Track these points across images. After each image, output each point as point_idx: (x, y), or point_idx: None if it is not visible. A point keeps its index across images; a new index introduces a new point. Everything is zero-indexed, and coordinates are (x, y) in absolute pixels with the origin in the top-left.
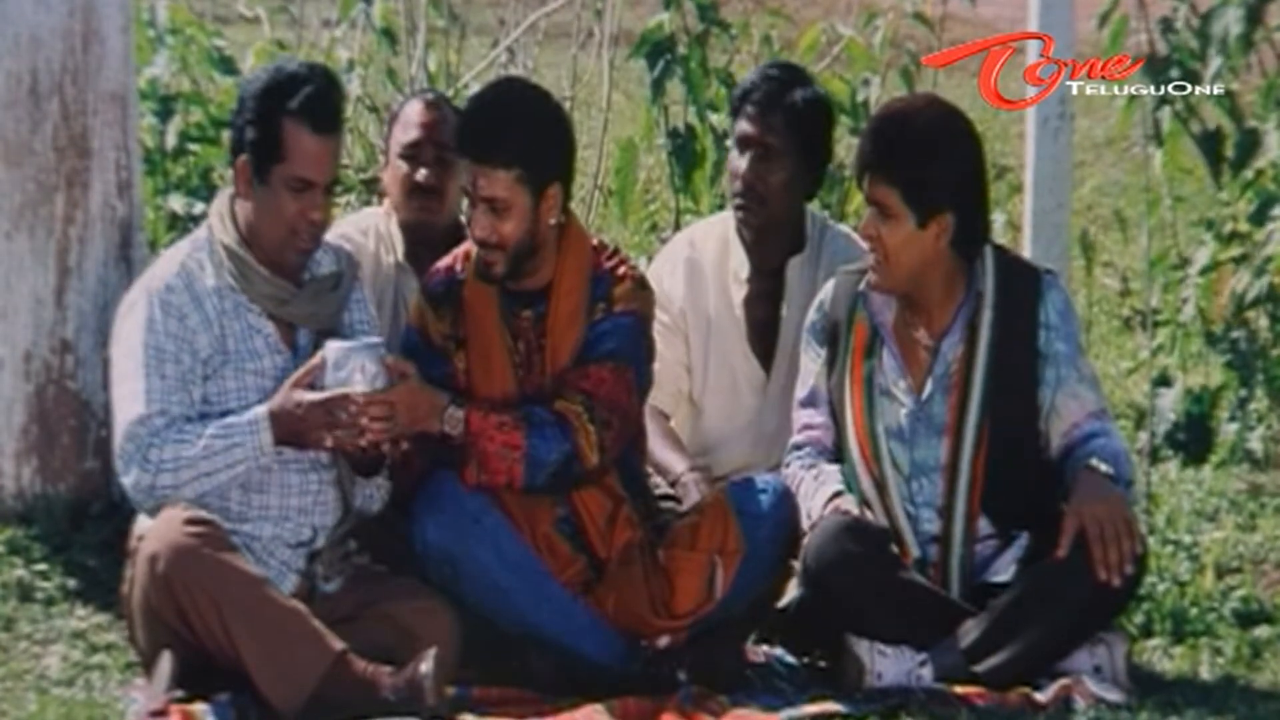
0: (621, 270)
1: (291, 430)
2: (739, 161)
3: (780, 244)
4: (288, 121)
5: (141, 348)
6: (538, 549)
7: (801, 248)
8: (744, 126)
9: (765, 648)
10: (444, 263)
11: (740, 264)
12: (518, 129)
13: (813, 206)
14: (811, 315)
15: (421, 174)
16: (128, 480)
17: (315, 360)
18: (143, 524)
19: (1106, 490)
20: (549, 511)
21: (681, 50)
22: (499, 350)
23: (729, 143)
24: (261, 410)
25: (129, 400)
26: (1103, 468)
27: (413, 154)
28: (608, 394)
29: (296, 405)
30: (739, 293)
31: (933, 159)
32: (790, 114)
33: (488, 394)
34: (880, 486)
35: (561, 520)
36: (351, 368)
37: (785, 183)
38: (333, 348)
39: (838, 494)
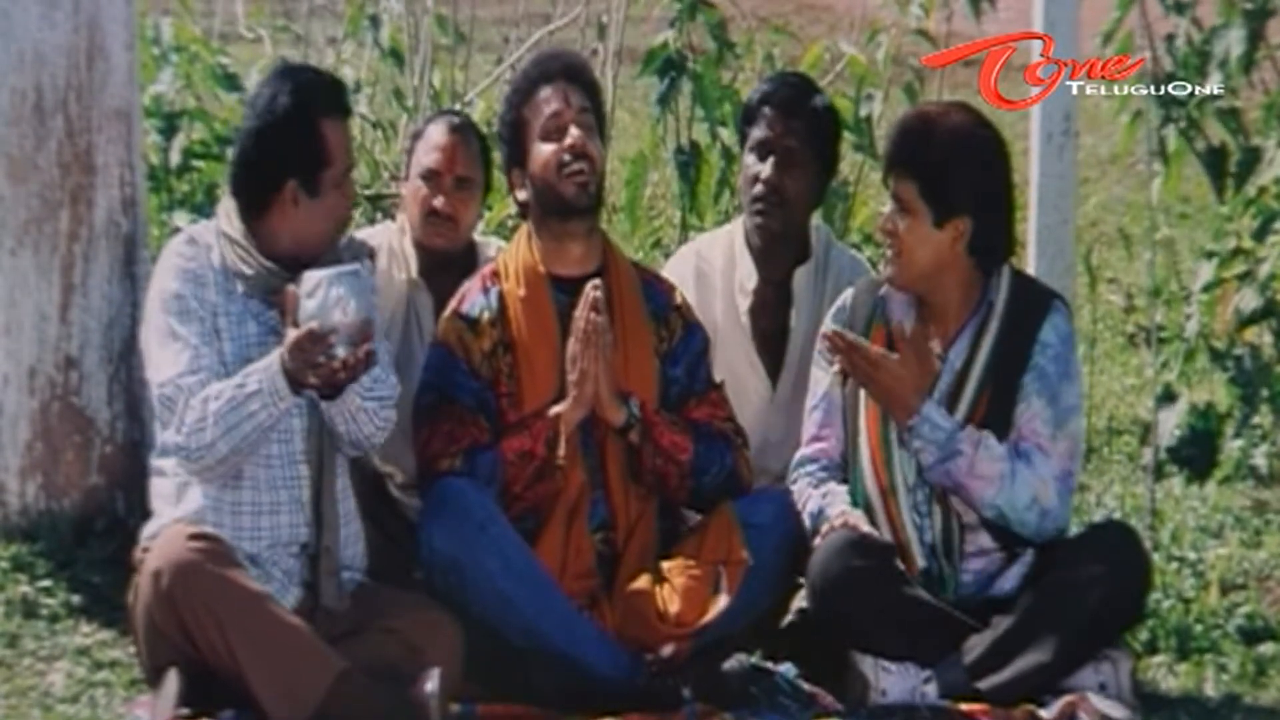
0: (656, 279)
1: (294, 371)
2: (759, 166)
3: (789, 253)
4: (323, 123)
5: (168, 307)
6: (565, 553)
7: (808, 257)
8: (764, 131)
9: (771, 664)
10: (470, 286)
11: (747, 274)
12: (579, 57)
13: (816, 223)
14: (828, 323)
15: (438, 201)
16: (169, 442)
17: (291, 289)
18: (147, 535)
19: (915, 388)
20: (587, 499)
21: (696, 68)
22: (548, 344)
23: (745, 150)
24: (275, 354)
25: (160, 361)
26: (928, 449)
27: (431, 179)
28: (730, 413)
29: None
30: (744, 302)
31: (954, 159)
32: (811, 119)
33: (533, 396)
34: (888, 495)
35: (595, 505)
36: (322, 294)
37: (804, 188)
38: (306, 275)
39: (843, 512)
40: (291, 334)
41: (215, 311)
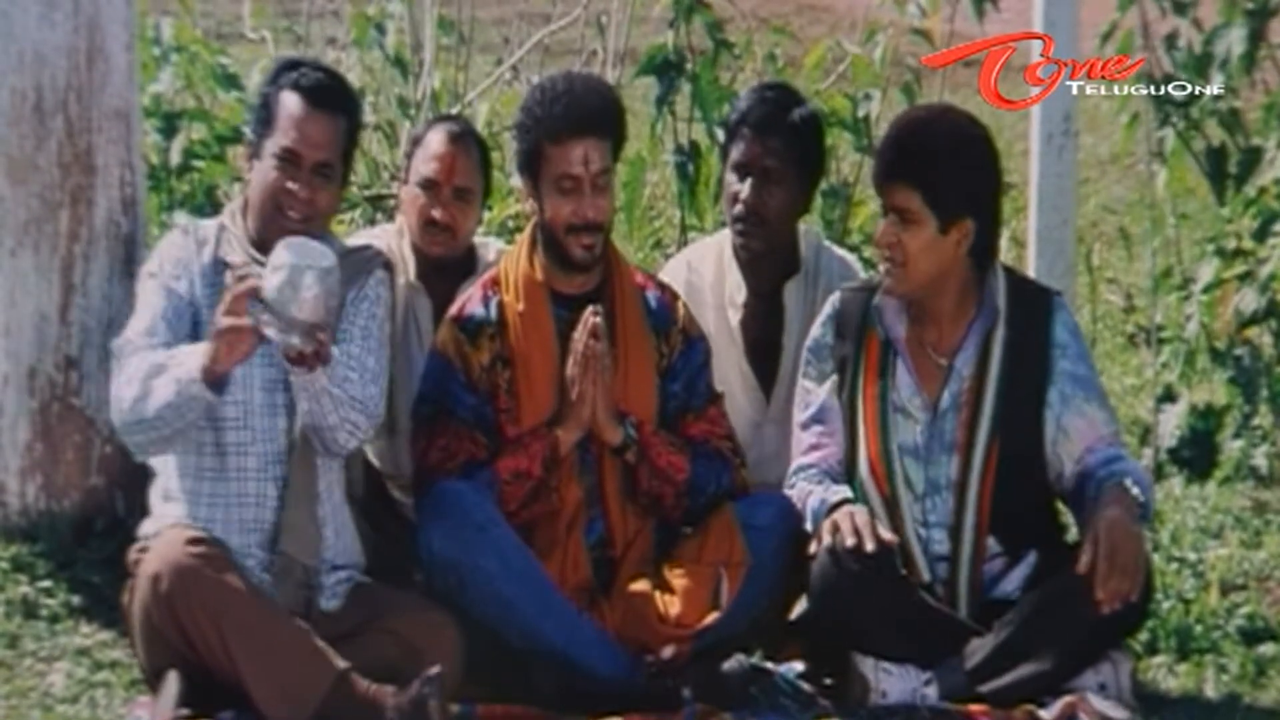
0: (659, 287)
1: (214, 347)
2: (738, 186)
3: (776, 266)
4: (282, 94)
5: (149, 281)
6: (562, 569)
7: (797, 269)
8: (742, 150)
9: (771, 664)
10: (470, 294)
11: (736, 286)
12: (607, 98)
13: (816, 225)
14: (815, 333)
15: (437, 211)
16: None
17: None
18: (142, 538)
19: (1132, 520)
20: (583, 514)
21: (693, 69)
22: (547, 359)
23: (726, 168)
24: (205, 343)
25: (129, 324)
26: (1134, 491)
27: (430, 189)
28: (728, 429)
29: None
30: (735, 315)
31: (956, 163)
32: (789, 135)
33: (531, 412)
34: (891, 506)
35: (592, 522)
36: (285, 272)
37: (786, 205)
38: (276, 250)
39: (846, 501)
40: (231, 290)
41: (195, 303)
